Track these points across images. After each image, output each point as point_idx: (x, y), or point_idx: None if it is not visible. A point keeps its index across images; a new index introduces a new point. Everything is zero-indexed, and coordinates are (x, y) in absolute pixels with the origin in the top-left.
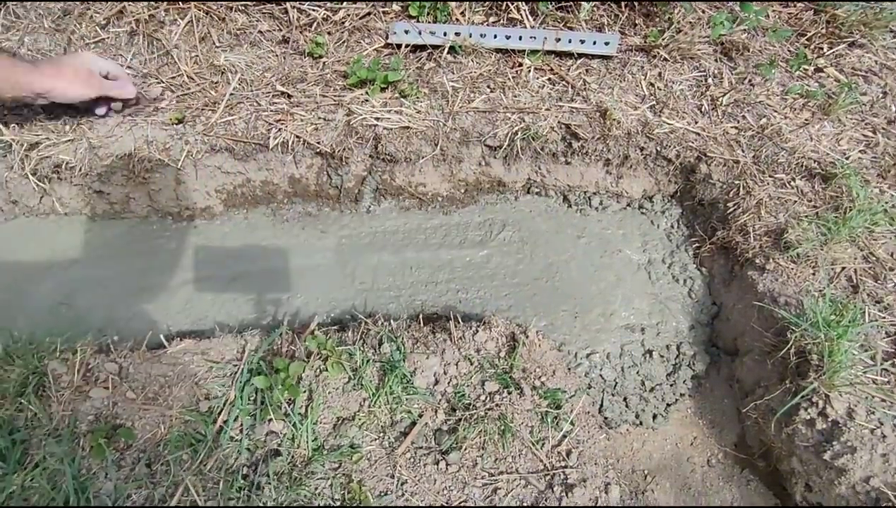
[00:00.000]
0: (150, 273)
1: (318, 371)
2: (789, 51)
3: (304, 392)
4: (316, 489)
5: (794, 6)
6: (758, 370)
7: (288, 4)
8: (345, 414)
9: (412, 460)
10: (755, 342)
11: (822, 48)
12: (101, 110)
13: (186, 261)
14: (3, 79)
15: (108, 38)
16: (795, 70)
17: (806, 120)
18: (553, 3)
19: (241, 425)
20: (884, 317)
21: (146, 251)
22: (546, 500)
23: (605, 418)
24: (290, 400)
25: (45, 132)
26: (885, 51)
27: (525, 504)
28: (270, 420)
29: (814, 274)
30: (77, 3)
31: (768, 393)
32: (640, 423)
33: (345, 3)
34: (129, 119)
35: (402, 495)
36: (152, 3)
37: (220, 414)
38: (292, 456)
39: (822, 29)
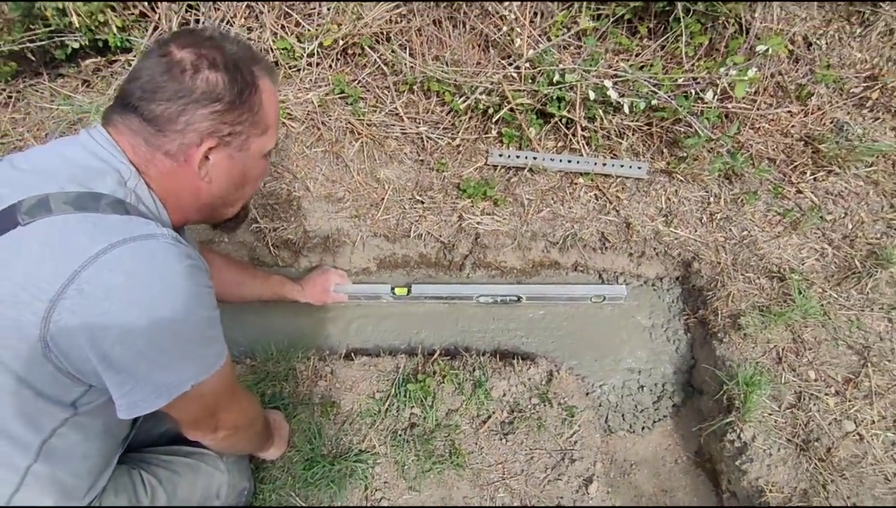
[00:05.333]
0: (333, 309)
1: (439, 382)
2: (782, 174)
3: (431, 394)
4: (436, 447)
5: (791, 137)
6: (710, 405)
7: (424, 136)
8: (452, 408)
9: (487, 436)
10: (709, 387)
11: (805, 173)
12: None
13: (353, 303)
14: (274, 292)
15: (309, 153)
16: (774, 197)
17: (778, 233)
18: (603, 139)
19: (397, 408)
20: (794, 380)
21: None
22: (560, 466)
23: (609, 426)
24: (424, 397)
25: (280, 221)
26: (855, 179)
27: (549, 469)
28: (412, 406)
29: (753, 348)
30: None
31: (714, 420)
32: (633, 431)
33: (461, 134)
34: (327, 213)
35: (480, 454)
36: (340, 132)
37: (386, 401)
38: (424, 428)
39: (807, 159)
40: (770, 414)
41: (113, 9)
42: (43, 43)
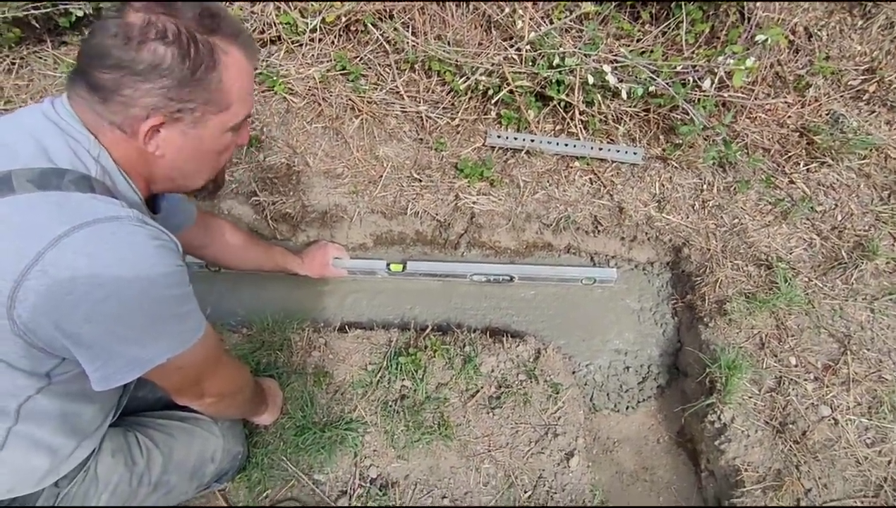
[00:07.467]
0: (329, 282)
1: (430, 357)
2: (776, 164)
3: (422, 367)
4: (425, 418)
5: (786, 128)
6: (694, 388)
7: (423, 115)
8: (442, 381)
9: (475, 409)
10: (693, 370)
11: (798, 164)
12: None
13: (349, 277)
14: (275, 263)
15: (310, 129)
16: (766, 186)
17: (769, 222)
18: (601, 124)
19: (388, 380)
20: (776, 366)
21: None
22: (545, 439)
23: (594, 404)
24: (415, 370)
25: (280, 195)
26: (847, 171)
27: (533, 442)
28: (403, 379)
29: (737, 333)
30: (294, 107)
31: (696, 402)
32: (617, 411)
33: (460, 114)
34: (325, 188)
35: (468, 426)
36: (340, 107)
37: (378, 373)
38: (414, 400)
39: (802, 150)
40: (750, 397)
41: None
42: (47, 10)
